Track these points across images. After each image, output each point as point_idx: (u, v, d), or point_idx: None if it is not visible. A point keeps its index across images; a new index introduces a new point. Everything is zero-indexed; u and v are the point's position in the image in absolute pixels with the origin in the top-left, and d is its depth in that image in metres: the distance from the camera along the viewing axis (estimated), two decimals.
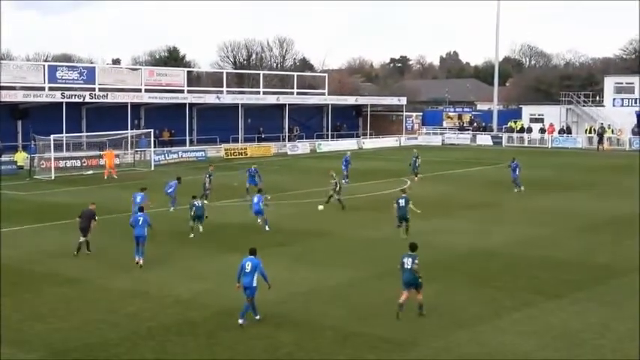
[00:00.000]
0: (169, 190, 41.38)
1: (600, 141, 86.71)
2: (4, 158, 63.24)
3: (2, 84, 67.71)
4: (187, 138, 77.70)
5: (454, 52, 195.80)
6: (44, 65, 74.70)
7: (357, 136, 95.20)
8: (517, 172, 48.76)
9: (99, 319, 21.90)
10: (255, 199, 35.62)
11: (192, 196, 36.08)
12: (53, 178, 57.07)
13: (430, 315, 22.12)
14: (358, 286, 25.48)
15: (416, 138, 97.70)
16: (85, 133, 70.17)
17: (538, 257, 29.81)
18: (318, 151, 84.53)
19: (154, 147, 69.10)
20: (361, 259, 29.76)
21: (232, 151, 77.30)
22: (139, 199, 35.78)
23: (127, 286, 25.55)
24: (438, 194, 47.62)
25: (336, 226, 36.44)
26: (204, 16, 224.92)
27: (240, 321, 21.35)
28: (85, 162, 63.37)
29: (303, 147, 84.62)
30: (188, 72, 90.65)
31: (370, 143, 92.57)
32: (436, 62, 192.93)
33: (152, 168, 64.40)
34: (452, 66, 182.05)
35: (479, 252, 30.96)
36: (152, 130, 68.26)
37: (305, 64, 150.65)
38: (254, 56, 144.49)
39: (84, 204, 43.49)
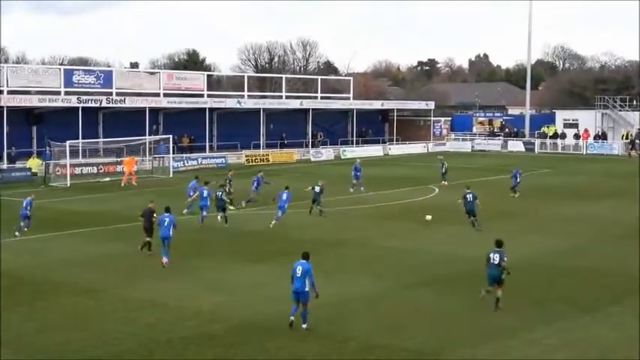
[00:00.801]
0: (191, 192, 42.86)
1: (632, 147, 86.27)
2: (18, 165, 63.80)
3: (17, 88, 68.36)
4: (207, 144, 78.02)
5: (484, 54, 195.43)
6: (60, 69, 75.38)
7: (383, 142, 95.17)
8: (518, 179, 49.64)
9: (116, 330, 22.10)
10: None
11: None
12: (69, 185, 57.51)
13: (458, 326, 22.20)
14: (384, 296, 25.55)
15: (444, 144, 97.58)
16: (101, 139, 70.63)
17: (571, 268, 29.78)
18: (342, 157, 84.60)
19: (173, 153, 69.45)
20: (387, 269, 29.84)
21: (254, 158, 77.58)
22: (205, 193, 39.06)
23: (145, 296, 25.77)
24: None
25: (360, 235, 36.56)
26: (224, 17, 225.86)
27: (292, 318, 21.98)
28: (101, 169, 63.75)
29: (327, 153, 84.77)
30: (208, 76, 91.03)
31: (397, 149, 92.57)
32: (465, 65, 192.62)
33: (171, 175, 64.72)
34: (482, 69, 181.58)
35: (509, 262, 30.86)
36: (171, 136, 68.64)
37: (329, 68, 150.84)
38: (276, 59, 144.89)
39: (101, 212, 44.26)
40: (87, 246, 34.51)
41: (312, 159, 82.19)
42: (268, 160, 77.87)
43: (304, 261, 22.30)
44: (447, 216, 41.81)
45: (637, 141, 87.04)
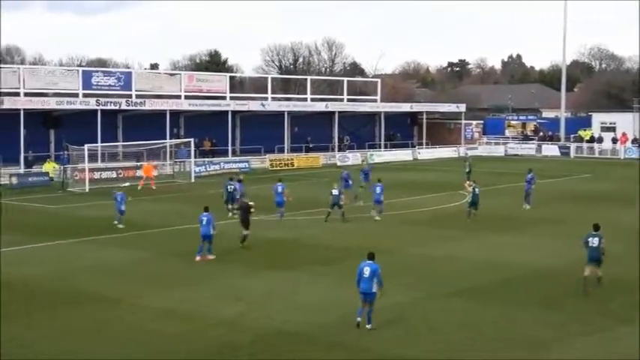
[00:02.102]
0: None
1: None
2: (36, 169, 64.08)
3: (34, 90, 68.73)
4: (230, 148, 78.06)
5: (517, 54, 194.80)
6: (78, 70, 75.78)
7: (412, 146, 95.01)
8: (531, 185, 48.31)
9: (135, 340, 22.02)
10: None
11: (230, 177, 37.83)
12: (87, 190, 57.69)
13: (490, 337, 22.00)
14: (415, 306, 25.33)
15: (476, 148, 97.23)
16: (121, 143, 70.86)
17: (609, 277, 29.41)
18: (370, 162, 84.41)
19: (194, 157, 69.54)
20: (417, 278, 29.66)
21: (278, 162, 77.56)
22: (279, 189, 42.11)
23: (166, 305, 25.68)
24: (500, 208, 47.37)
25: (390, 242, 36.35)
26: (247, 17, 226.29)
27: (359, 319, 22.45)
28: (120, 173, 63.91)
29: (353, 158, 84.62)
30: (230, 77, 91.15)
31: (426, 153, 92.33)
32: (498, 66, 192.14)
33: (192, 180, 64.79)
34: (515, 70, 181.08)
35: (545, 271, 30.68)
36: (192, 140, 68.71)
37: (356, 69, 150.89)
38: (301, 60, 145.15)
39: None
40: (106, 253, 34.53)
41: (339, 163, 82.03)
42: (293, 165, 77.82)
43: (371, 261, 22.77)
44: (479, 223, 41.58)
45: None
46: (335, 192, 42.48)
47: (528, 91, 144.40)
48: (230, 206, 44.06)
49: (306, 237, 37.95)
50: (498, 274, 29.76)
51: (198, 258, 32.53)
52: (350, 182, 50.85)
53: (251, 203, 36.06)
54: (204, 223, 32.55)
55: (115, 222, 41.32)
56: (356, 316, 22.71)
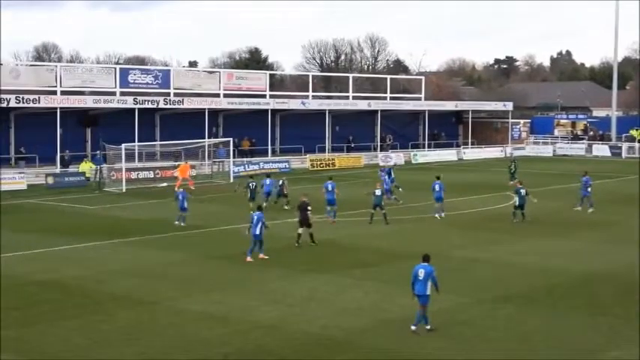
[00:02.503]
0: (268, 189, 48.72)
1: None
2: (72, 169, 64.52)
3: (70, 89, 69.24)
4: (269, 147, 78.20)
5: (567, 51, 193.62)
6: (115, 68, 76.24)
7: (457, 146, 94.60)
8: (589, 190, 47.63)
9: (171, 345, 22.05)
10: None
11: (250, 175, 38.27)
12: (124, 190, 58.01)
13: (539, 344, 21.76)
14: (460, 312, 25.12)
15: (523, 148, 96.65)
16: (158, 142, 71.20)
17: None
18: (413, 162, 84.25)
19: (233, 157, 69.68)
20: (459, 282, 29.42)
21: (319, 162, 77.48)
22: (330, 187, 43.21)
23: (202, 309, 25.70)
24: (549, 211, 46.97)
25: (433, 245, 36.08)
26: (288, 13, 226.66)
27: (413, 327, 22.56)
28: (158, 173, 64.21)
29: (397, 158, 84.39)
30: (270, 75, 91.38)
31: (472, 153, 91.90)
32: (546, 63, 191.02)
33: (231, 180, 64.82)
34: (564, 67, 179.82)
35: (596, 275, 30.35)
36: (231, 139, 68.86)
37: (399, 66, 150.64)
38: (343, 57, 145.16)
39: (157, 219, 44.50)
40: (141, 255, 34.67)
41: (381, 163, 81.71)
42: (334, 165, 77.71)
43: (426, 264, 22.94)
44: (525, 226, 41.26)
45: None
46: (378, 192, 42.34)
47: (578, 89, 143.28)
48: (252, 204, 44.93)
49: (346, 239, 37.86)
50: (545, 279, 29.50)
51: (248, 258, 32.77)
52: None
53: (305, 198, 37.05)
54: (254, 222, 33.01)
55: (176, 222, 42.06)
56: (414, 320, 22.75)
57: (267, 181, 49.10)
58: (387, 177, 51.78)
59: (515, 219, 42.49)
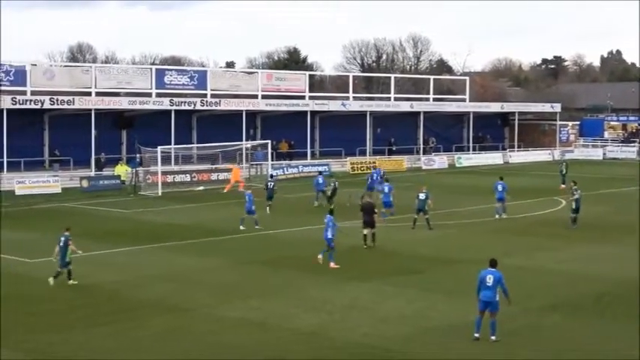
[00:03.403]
0: (322, 188, 50.97)
1: None
2: (106, 172, 64.96)
3: (105, 90, 69.83)
4: (308, 150, 78.34)
5: (617, 50, 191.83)
6: (151, 69, 76.80)
7: (503, 149, 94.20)
8: None
9: (208, 352, 22.20)
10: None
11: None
12: (160, 194, 58.38)
13: (589, 355, 21.69)
14: (507, 321, 24.91)
15: (572, 151, 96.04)
16: (195, 145, 71.47)
17: None
18: (457, 165, 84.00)
19: (271, 160, 69.83)
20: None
21: (359, 165, 77.42)
22: (387, 189, 44.64)
23: (240, 315, 25.84)
24: (595, 215, 46.68)
25: (477, 251, 36.04)
26: (328, 12, 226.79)
27: (476, 334, 22.48)
28: (195, 176, 64.49)
29: (440, 161, 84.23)
30: (310, 76, 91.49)
31: (518, 157, 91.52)
32: (596, 63, 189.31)
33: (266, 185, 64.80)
34: (615, 67, 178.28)
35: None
36: (269, 142, 69.05)
37: (442, 66, 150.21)
38: (384, 57, 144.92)
39: (193, 223, 44.79)
40: (177, 260, 34.90)
41: (424, 167, 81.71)
42: (375, 168, 77.46)
43: (494, 269, 22.90)
44: (573, 232, 41.07)
45: None
46: (422, 196, 42.32)
47: (629, 90, 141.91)
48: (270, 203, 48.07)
49: (389, 245, 37.84)
50: (593, 287, 29.40)
51: (319, 256, 33.19)
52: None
53: (369, 199, 38.50)
54: (326, 226, 33.37)
55: (241, 227, 42.49)
56: (474, 329, 22.71)
57: (320, 179, 51.37)
58: (385, 186, 47.90)
59: (574, 225, 42.16)
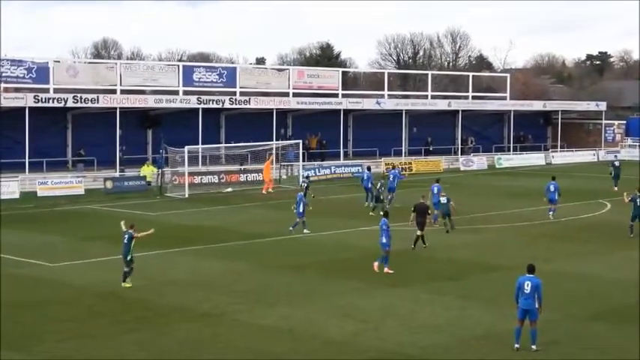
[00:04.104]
0: (369, 186, 51.58)
1: None
2: (130, 172, 65.09)
3: (131, 87, 70.03)
4: (341, 150, 78.26)
5: None
6: (178, 66, 76.88)
7: (545, 149, 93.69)
8: None
9: None
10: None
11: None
12: (187, 196, 58.49)
13: None
14: (549, 330, 24.72)
15: (618, 151, 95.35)
16: (223, 145, 71.52)
17: None
18: (497, 166, 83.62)
19: (303, 160, 69.87)
20: (549, 298, 29.05)
21: (394, 167, 77.13)
22: (436, 190, 43.76)
23: (268, 322, 25.86)
24: None
25: (516, 257, 35.86)
26: (362, 6, 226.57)
27: (517, 345, 22.44)
28: (223, 178, 64.52)
29: (479, 162, 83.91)
30: (343, 73, 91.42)
31: (561, 158, 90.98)
32: None
33: (300, 185, 64.81)
34: None
35: None
36: (300, 141, 69.08)
37: (482, 63, 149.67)
38: (421, 53, 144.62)
39: (221, 226, 44.84)
40: (204, 265, 34.96)
41: (462, 168, 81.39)
42: (411, 169, 77.32)
43: (532, 275, 22.80)
44: (618, 236, 40.74)
45: None
46: (443, 200, 42.37)
47: None
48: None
49: (423, 250, 37.68)
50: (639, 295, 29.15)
51: (376, 263, 33.05)
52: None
53: (423, 200, 38.98)
54: (380, 230, 33.18)
55: (290, 228, 42.40)
56: (514, 339, 22.61)
57: (365, 175, 52.69)
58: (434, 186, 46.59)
59: (631, 234, 41.40)
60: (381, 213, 37.20)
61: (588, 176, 72.67)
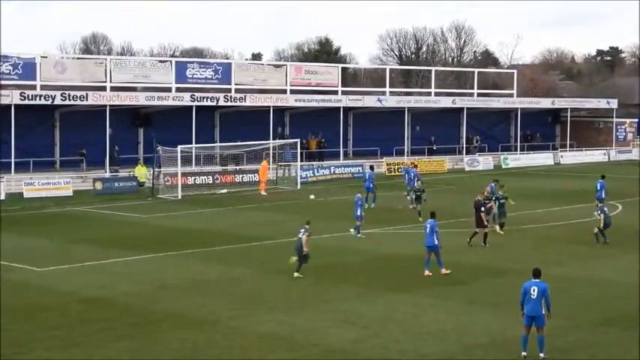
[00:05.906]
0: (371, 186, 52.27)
1: None
2: (123, 173, 65.11)
3: (121, 84, 70.04)
4: (341, 150, 78.27)
5: None
6: (171, 61, 76.90)
7: (554, 149, 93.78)
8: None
9: None
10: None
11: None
12: (180, 197, 58.48)
13: None
14: (559, 337, 24.74)
15: (630, 151, 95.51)
16: (218, 144, 71.57)
17: None
18: (503, 166, 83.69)
19: (301, 160, 69.83)
20: (557, 302, 29.09)
21: (396, 167, 77.20)
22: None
23: (265, 329, 25.84)
24: None
25: (526, 260, 35.83)
26: None
27: (524, 353, 22.43)
28: (217, 178, 64.60)
29: (484, 161, 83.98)
30: (343, 69, 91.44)
31: (570, 157, 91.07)
32: None
33: (298, 186, 64.87)
34: None
35: None
36: (298, 140, 69.09)
37: (488, 58, 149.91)
38: (424, 49, 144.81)
39: (216, 229, 44.82)
40: (198, 269, 34.92)
41: (467, 168, 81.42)
42: (406, 166, 77.22)
43: (538, 279, 22.80)
44: (632, 239, 40.73)
45: None
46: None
47: None
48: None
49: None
50: None
51: (426, 272, 33.04)
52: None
53: (480, 196, 40.22)
54: (427, 230, 33.15)
55: (352, 230, 42.54)
56: (521, 347, 22.59)
57: (367, 174, 52.95)
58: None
59: None
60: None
61: (599, 177, 72.52)
